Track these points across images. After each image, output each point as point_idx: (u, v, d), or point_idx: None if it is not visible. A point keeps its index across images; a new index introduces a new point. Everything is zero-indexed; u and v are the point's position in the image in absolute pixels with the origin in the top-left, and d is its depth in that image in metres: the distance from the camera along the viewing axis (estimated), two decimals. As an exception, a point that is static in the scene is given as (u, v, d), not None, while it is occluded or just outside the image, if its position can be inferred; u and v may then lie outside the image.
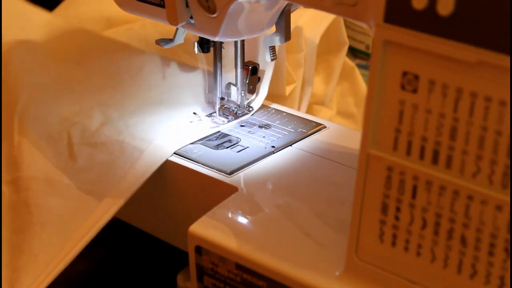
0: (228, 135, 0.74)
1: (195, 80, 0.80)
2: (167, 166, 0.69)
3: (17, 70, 0.82)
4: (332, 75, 0.92)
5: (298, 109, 0.87)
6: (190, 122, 0.75)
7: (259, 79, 0.77)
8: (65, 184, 0.71)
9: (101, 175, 0.70)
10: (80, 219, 0.68)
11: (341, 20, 0.90)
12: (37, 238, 0.68)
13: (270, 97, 0.80)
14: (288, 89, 0.86)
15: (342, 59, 0.92)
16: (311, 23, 0.87)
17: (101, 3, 0.91)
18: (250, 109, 0.77)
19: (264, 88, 0.77)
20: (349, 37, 0.93)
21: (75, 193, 0.70)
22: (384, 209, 0.52)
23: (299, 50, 0.86)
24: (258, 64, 0.75)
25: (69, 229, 0.67)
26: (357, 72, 0.95)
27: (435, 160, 0.50)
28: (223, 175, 0.67)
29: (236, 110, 0.76)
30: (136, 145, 0.70)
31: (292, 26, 0.84)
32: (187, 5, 0.67)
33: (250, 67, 0.75)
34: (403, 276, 0.53)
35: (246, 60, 0.75)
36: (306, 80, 0.88)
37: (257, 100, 0.77)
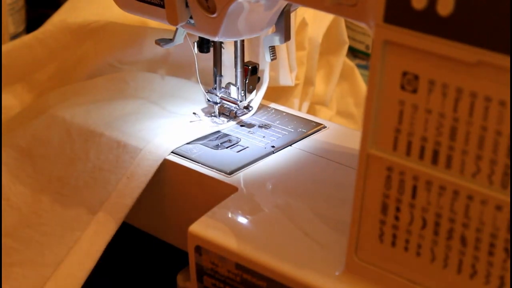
0: (228, 135, 0.74)
1: (195, 80, 0.80)
2: (167, 166, 0.69)
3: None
4: (332, 74, 0.91)
5: (299, 110, 0.87)
6: (190, 122, 0.75)
7: (259, 79, 0.77)
8: (61, 187, 0.71)
9: (100, 177, 0.70)
10: (82, 225, 0.67)
11: (341, 19, 0.90)
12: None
13: (276, 91, 0.80)
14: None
15: (342, 58, 0.92)
16: (314, 20, 0.87)
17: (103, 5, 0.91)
18: (250, 108, 0.77)
19: (262, 88, 0.77)
20: (349, 37, 0.93)
21: (75, 197, 0.70)
22: (384, 209, 0.52)
23: (302, 48, 0.86)
24: (258, 64, 0.75)
25: (70, 239, 0.67)
26: (357, 72, 0.95)
27: (435, 160, 0.50)
28: (223, 175, 0.67)
29: (236, 110, 0.76)
30: (135, 144, 0.70)
31: (299, 19, 0.84)
32: (187, 5, 0.66)
33: (250, 67, 0.75)
34: (403, 276, 0.53)
35: (246, 60, 0.75)
36: (308, 80, 0.88)
37: (256, 100, 0.77)
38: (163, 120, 0.74)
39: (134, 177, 0.68)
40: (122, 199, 0.67)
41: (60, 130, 0.74)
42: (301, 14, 0.85)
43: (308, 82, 0.87)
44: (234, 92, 0.75)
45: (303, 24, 0.86)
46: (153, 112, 0.76)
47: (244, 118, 0.76)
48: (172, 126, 0.74)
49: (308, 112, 0.88)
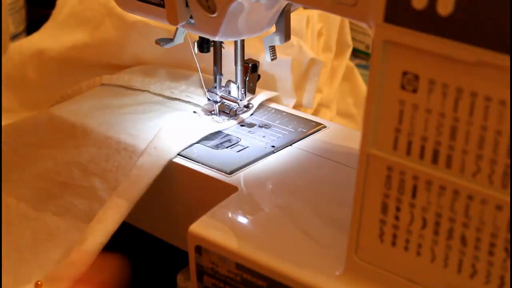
0: (228, 134, 0.74)
1: (195, 79, 0.80)
2: (167, 166, 0.69)
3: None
4: (335, 77, 0.91)
5: None
6: (190, 121, 0.75)
7: (259, 77, 0.77)
8: (63, 186, 0.71)
9: (103, 176, 0.70)
10: (84, 225, 0.68)
11: (346, 22, 0.90)
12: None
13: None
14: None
15: (346, 61, 0.92)
16: (326, 27, 0.87)
17: None
18: (250, 106, 0.77)
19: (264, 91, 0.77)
20: (349, 37, 0.93)
21: (77, 195, 0.70)
22: (384, 209, 0.52)
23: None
24: (258, 62, 0.75)
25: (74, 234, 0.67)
26: (357, 72, 0.95)
27: (435, 160, 0.50)
28: (223, 174, 0.67)
29: (235, 108, 0.76)
30: (135, 144, 0.70)
31: (318, 26, 0.84)
32: (187, 5, 0.67)
33: (250, 65, 0.74)
34: (403, 276, 0.53)
35: (246, 57, 0.75)
36: (318, 88, 0.87)
37: (257, 99, 0.77)
38: (163, 120, 0.74)
39: (136, 178, 0.68)
40: (122, 201, 0.67)
41: (61, 130, 0.74)
42: (319, 21, 0.85)
43: (317, 90, 0.87)
44: (234, 90, 0.75)
45: (319, 34, 0.85)
46: (153, 112, 0.75)
47: (244, 116, 0.76)
48: (172, 126, 0.73)
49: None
